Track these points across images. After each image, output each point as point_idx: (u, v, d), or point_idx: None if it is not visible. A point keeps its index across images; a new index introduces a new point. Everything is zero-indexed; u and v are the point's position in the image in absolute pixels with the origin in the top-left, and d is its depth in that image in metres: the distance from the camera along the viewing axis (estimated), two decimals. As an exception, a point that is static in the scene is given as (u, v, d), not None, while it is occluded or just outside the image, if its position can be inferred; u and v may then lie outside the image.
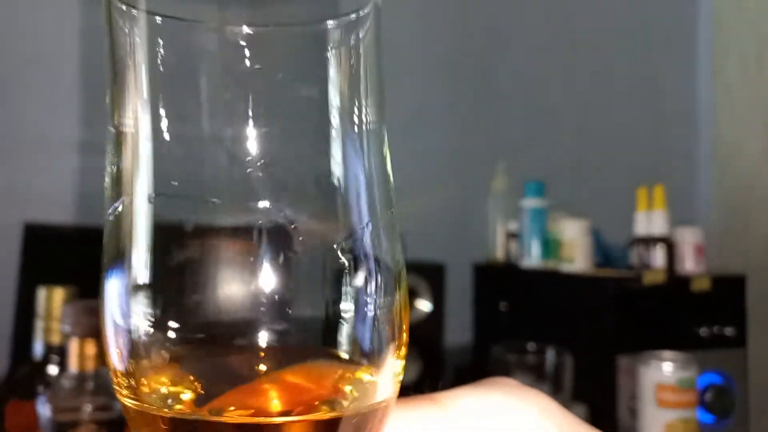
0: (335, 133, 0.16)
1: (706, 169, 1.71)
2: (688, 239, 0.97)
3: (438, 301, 1.12)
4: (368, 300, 0.16)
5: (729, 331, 0.90)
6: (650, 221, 0.98)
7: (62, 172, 1.17)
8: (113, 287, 0.16)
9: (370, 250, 0.17)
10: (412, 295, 1.12)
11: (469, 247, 1.35)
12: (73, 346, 0.54)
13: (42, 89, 1.18)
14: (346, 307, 0.16)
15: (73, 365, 0.54)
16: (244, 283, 0.15)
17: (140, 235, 0.16)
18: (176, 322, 0.15)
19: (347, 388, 0.16)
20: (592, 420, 0.82)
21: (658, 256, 0.94)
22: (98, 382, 0.55)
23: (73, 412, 0.53)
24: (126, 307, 0.16)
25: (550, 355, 0.75)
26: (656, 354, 0.82)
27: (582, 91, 1.58)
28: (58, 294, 0.64)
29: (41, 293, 0.64)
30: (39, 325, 0.65)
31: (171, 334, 0.15)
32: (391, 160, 0.19)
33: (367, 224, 0.17)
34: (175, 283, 0.16)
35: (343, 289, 0.16)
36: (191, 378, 0.16)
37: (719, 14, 1.73)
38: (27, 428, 0.62)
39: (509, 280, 1.20)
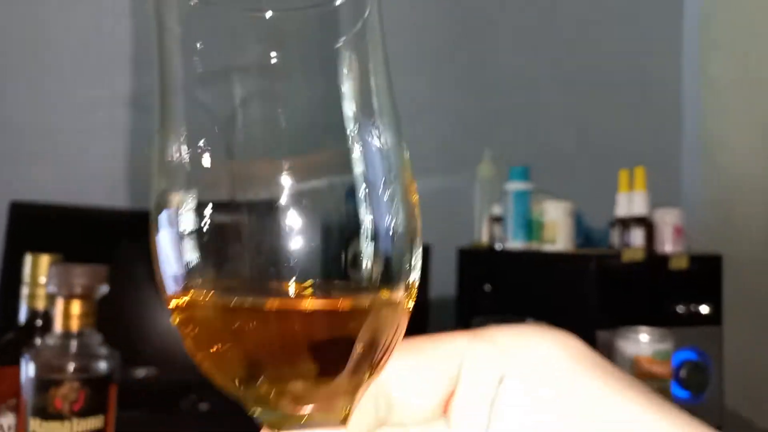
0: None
1: (691, 157, 1.73)
2: (668, 220, 0.99)
3: (422, 282, 1.13)
4: (387, 244, 0.18)
5: (705, 308, 0.92)
6: (631, 202, 1.00)
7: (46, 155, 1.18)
8: (167, 222, 0.18)
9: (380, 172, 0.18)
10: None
11: (455, 233, 1.37)
12: (59, 306, 0.55)
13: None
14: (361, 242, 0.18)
15: (58, 325, 0.55)
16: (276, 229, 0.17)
17: (189, 179, 0.18)
18: (220, 261, 0.17)
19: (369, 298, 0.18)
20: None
21: (638, 236, 0.96)
22: (82, 342, 0.56)
23: (57, 371, 0.54)
24: (178, 244, 0.17)
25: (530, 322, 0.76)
26: (634, 329, 0.84)
27: (568, 81, 1.60)
28: (44, 260, 0.65)
29: (27, 259, 0.65)
30: (24, 291, 0.66)
31: (215, 271, 0.17)
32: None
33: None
34: (218, 228, 0.17)
35: (358, 220, 0.18)
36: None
37: (707, 7, 1.76)
38: (11, 394, 0.63)
39: (493, 262, 1.22)
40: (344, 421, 0.19)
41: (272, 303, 0.17)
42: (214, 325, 0.18)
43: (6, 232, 1.00)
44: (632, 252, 0.91)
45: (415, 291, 0.19)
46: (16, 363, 0.59)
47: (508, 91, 1.54)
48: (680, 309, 0.91)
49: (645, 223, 0.97)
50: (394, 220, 0.18)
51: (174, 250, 0.17)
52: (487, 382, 0.20)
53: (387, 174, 0.19)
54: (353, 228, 0.17)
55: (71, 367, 0.54)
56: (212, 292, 0.17)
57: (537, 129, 1.56)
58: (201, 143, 0.18)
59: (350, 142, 0.18)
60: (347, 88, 0.19)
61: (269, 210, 0.17)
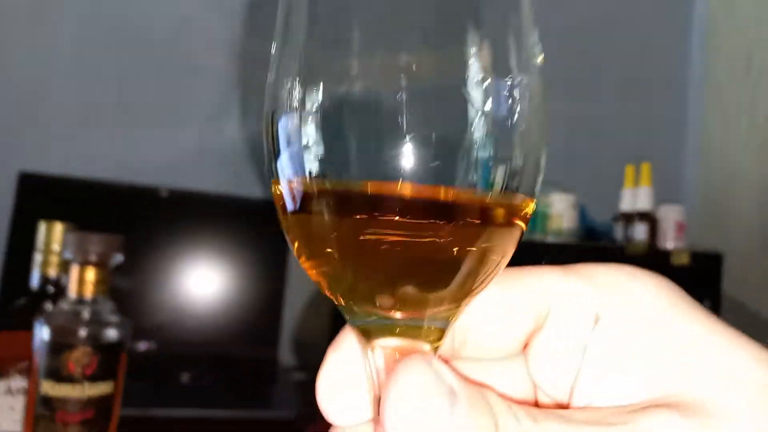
0: None
1: (693, 157, 1.74)
2: (670, 216, 1.00)
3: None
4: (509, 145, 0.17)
5: (706, 305, 0.93)
6: (635, 197, 1.01)
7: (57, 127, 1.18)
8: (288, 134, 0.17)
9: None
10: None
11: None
12: (74, 272, 0.56)
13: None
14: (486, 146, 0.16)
15: (72, 291, 0.56)
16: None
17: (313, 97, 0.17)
18: (337, 154, 0.16)
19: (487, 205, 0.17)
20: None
21: (641, 231, 0.97)
22: (94, 309, 0.57)
23: (71, 335, 0.55)
24: (298, 131, 0.17)
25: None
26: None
27: (575, 77, 1.60)
28: (58, 227, 0.65)
29: (42, 227, 0.65)
30: (37, 258, 0.66)
31: (331, 164, 0.16)
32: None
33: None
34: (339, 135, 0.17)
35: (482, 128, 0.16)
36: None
37: (713, 14, 1.76)
38: (21, 357, 0.63)
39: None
40: (437, 344, 0.18)
41: (391, 198, 0.16)
42: (329, 216, 0.16)
43: (15, 202, 1.00)
44: (635, 246, 0.92)
45: (530, 214, 0.18)
46: (27, 328, 0.59)
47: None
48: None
49: (649, 218, 0.98)
50: (521, 129, 0.17)
51: (293, 138, 0.16)
52: (580, 322, 0.18)
53: (517, 74, 0.17)
54: (477, 133, 0.16)
55: (84, 332, 0.55)
56: (329, 183, 0.16)
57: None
58: (323, 49, 0.17)
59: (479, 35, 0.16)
60: None
61: (392, 104, 0.15)
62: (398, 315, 0.17)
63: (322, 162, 0.16)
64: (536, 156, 0.18)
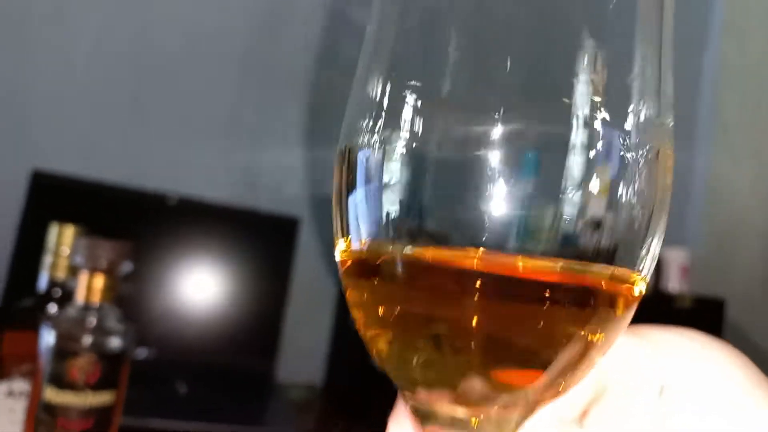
0: None
1: (698, 198, 1.75)
2: (674, 259, 1.01)
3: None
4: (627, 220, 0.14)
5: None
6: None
7: (72, 125, 1.20)
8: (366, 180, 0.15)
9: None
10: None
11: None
12: (83, 278, 0.56)
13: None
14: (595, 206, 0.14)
15: (80, 296, 0.56)
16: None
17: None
18: (415, 216, 0.14)
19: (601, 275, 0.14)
20: None
21: (645, 272, 0.98)
22: (101, 316, 0.57)
23: (76, 342, 0.55)
24: (375, 191, 0.14)
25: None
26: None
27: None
28: (69, 231, 0.66)
29: (53, 229, 0.66)
30: (47, 260, 0.67)
31: (407, 227, 0.14)
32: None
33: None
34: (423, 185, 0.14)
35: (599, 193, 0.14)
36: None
37: (725, 56, 1.78)
38: (26, 358, 0.64)
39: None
40: None
41: (472, 272, 0.13)
42: (398, 294, 0.14)
43: (26, 200, 1.01)
44: (639, 287, 0.92)
45: (640, 296, 0.15)
46: (31, 329, 0.60)
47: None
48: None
49: (653, 259, 0.99)
50: (640, 197, 0.14)
51: (368, 197, 0.14)
52: (643, 389, 0.16)
53: (640, 134, 0.15)
54: (582, 198, 0.13)
55: (89, 339, 0.55)
56: (403, 249, 0.14)
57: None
58: (411, 82, 0.14)
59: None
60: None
61: (480, 164, 0.13)
62: (459, 412, 0.14)
63: (414, 223, 0.14)
64: (654, 228, 0.14)
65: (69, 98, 1.21)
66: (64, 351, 0.54)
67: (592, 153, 0.13)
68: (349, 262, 0.15)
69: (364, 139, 0.15)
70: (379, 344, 0.15)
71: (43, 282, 0.67)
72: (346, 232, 0.15)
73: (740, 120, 1.69)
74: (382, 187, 0.14)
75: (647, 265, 0.15)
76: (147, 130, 1.25)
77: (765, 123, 1.61)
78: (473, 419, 0.14)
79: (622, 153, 0.14)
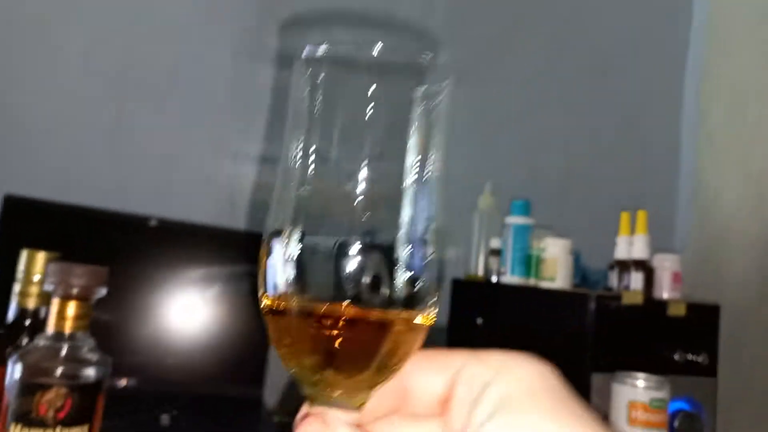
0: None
1: (686, 208, 1.75)
2: (666, 265, 0.99)
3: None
4: (418, 269, 0.25)
5: (702, 358, 0.92)
6: (631, 245, 1.00)
7: (44, 151, 1.16)
8: (277, 255, 0.25)
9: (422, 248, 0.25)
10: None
11: (450, 264, 1.36)
12: (54, 306, 0.53)
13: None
14: (404, 271, 0.25)
15: (51, 326, 0.53)
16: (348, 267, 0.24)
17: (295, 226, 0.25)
18: (303, 280, 0.25)
19: (399, 317, 0.25)
20: None
21: (637, 279, 0.96)
22: (74, 345, 0.54)
23: (45, 374, 0.52)
24: (282, 264, 0.25)
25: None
26: (630, 374, 0.83)
27: (568, 125, 1.62)
28: (40, 257, 0.62)
29: (23, 255, 0.63)
30: (15, 288, 0.63)
31: (299, 286, 0.25)
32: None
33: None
34: (306, 263, 0.25)
35: (403, 259, 0.25)
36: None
37: (708, 60, 1.79)
38: (-7, 394, 0.60)
39: (488, 295, 1.21)
40: (360, 407, 0.26)
41: (325, 316, 0.24)
42: (289, 326, 0.25)
43: (-3, 227, 0.97)
44: (632, 295, 0.90)
45: (434, 316, 0.26)
46: (2, 363, 0.56)
47: (510, 128, 1.55)
48: (677, 357, 0.90)
49: (645, 267, 0.97)
50: (428, 260, 0.25)
51: (278, 267, 0.25)
52: (476, 390, 0.25)
53: (429, 223, 0.26)
54: (396, 264, 0.24)
55: (60, 371, 0.52)
56: (292, 301, 0.25)
57: (536, 168, 1.57)
58: (303, 189, 0.25)
59: (405, 191, 0.25)
60: (413, 141, 0.25)
61: (340, 246, 0.24)
62: (331, 393, 0.25)
63: (293, 286, 0.25)
64: (435, 288, 0.26)
65: (46, 120, 1.18)
66: (31, 385, 0.51)
67: (404, 253, 0.25)
68: (266, 308, 0.26)
69: (278, 229, 0.25)
70: (285, 358, 0.25)
71: (12, 312, 0.63)
72: (264, 289, 0.25)
73: (726, 127, 1.70)
74: (284, 263, 0.25)
75: (431, 308, 0.25)
76: (127, 152, 1.22)
77: (751, 130, 1.62)
78: (338, 395, 0.25)
79: (413, 254, 0.25)
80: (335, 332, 0.24)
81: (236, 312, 1.11)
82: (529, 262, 1.11)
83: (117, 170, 1.21)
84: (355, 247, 0.24)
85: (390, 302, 0.24)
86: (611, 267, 1.04)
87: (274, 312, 0.25)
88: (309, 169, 0.25)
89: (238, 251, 1.16)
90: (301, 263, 0.24)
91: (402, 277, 0.24)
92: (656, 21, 1.78)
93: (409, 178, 0.25)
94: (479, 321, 1.20)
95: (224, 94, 1.29)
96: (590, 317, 0.89)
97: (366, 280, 0.24)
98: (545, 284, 1.04)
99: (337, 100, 0.25)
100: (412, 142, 0.25)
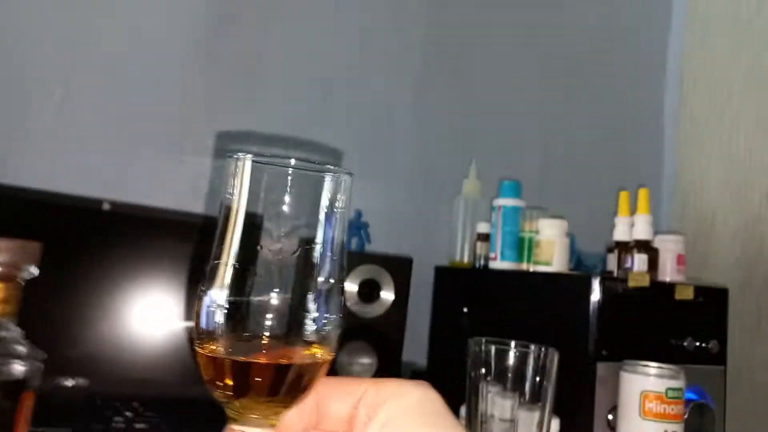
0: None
1: (668, 193, 1.70)
2: (669, 247, 0.93)
3: (402, 299, 1.03)
4: (321, 314, 0.31)
5: (712, 345, 0.85)
6: (634, 225, 0.93)
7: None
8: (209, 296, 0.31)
9: (328, 288, 0.31)
10: (376, 287, 1.02)
11: (432, 251, 1.27)
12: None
13: None
14: (311, 315, 0.30)
15: (-35, 311, 0.42)
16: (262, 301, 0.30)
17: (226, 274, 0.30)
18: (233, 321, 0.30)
19: (304, 353, 0.31)
20: None
21: (641, 261, 0.89)
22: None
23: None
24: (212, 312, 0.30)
25: (535, 350, 0.66)
26: (642, 362, 0.75)
27: (550, 110, 1.55)
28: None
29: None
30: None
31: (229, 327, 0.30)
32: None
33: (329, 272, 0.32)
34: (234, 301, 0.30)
35: (309, 305, 0.30)
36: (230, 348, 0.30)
37: (689, 43, 1.75)
38: None
39: (476, 282, 1.12)
40: (274, 426, 0.31)
41: (242, 354, 0.30)
42: (213, 362, 0.30)
43: None
44: (638, 277, 0.83)
45: (334, 351, 0.31)
46: None
47: (492, 111, 1.47)
48: (686, 344, 0.83)
49: (649, 248, 0.90)
50: (330, 310, 0.31)
51: (208, 314, 0.30)
52: (371, 412, 0.31)
53: (331, 279, 0.31)
54: (303, 315, 0.30)
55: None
56: (216, 343, 0.30)
57: (517, 153, 1.50)
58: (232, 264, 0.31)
59: (314, 253, 0.31)
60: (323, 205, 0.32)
61: (261, 305, 0.30)
62: (249, 414, 0.31)
63: (218, 329, 0.30)
64: (336, 333, 0.31)
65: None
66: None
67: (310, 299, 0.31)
68: (195, 345, 0.31)
69: (210, 288, 0.31)
70: (209, 387, 0.31)
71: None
72: (195, 329, 0.31)
73: (709, 113, 1.66)
74: (211, 309, 0.30)
75: (333, 345, 0.31)
76: (77, 129, 1.10)
77: (734, 116, 1.58)
78: (254, 416, 0.31)
79: (324, 291, 0.32)
80: (250, 368, 0.29)
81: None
82: (522, 246, 1.03)
83: (67, 149, 1.08)
84: (269, 296, 0.30)
85: (300, 342, 0.30)
86: (610, 249, 0.97)
87: (201, 349, 0.30)
88: (240, 238, 0.30)
89: (201, 238, 1.05)
90: (225, 310, 0.29)
91: (306, 319, 0.30)
92: (637, 11, 1.73)
93: (318, 237, 0.31)
94: (465, 310, 1.11)
95: (187, 65, 1.17)
96: (594, 302, 0.81)
97: (277, 322, 0.30)
98: (540, 268, 0.97)
99: (262, 183, 0.31)
100: (323, 204, 0.31)
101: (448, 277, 1.21)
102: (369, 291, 1.01)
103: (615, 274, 0.90)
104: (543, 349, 0.67)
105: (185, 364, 0.97)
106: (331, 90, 1.28)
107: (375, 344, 0.99)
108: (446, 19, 1.43)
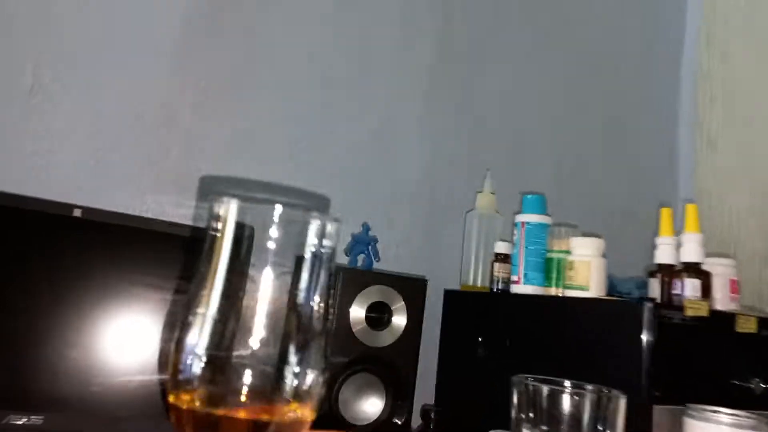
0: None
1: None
2: (719, 271, 0.81)
3: (415, 322, 0.90)
4: (302, 373, 0.30)
5: (776, 385, 0.73)
6: (681, 246, 0.82)
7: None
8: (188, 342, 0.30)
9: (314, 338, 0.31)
10: (387, 311, 0.89)
11: (441, 272, 1.15)
12: None
13: None
14: (292, 369, 0.29)
15: None
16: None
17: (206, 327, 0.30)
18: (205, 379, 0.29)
19: (284, 409, 0.29)
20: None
21: (692, 287, 0.77)
22: None
23: None
24: (190, 362, 0.29)
25: (593, 393, 0.54)
26: (708, 407, 0.63)
27: (558, 126, 1.45)
28: None
29: None
30: None
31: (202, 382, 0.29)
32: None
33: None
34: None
35: (291, 358, 0.29)
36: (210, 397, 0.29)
37: (703, 63, 1.67)
38: None
39: (493, 309, 1.00)
40: None
41: (217, 411, 0.28)
42: (186, 414, 0.28)
43: None
44: (696, 305, 0.71)
45: (314, 411, 0.30)
46: None
47: (500, 123, 1.37)
48: (752, 385, 0.72)
49: (700, 272, 0.79)
50: (312, 369, 0.30)
51: (185, 364, 0.29)
52: None
53: (315, 337, 0.30)
54: (284, 368, 0.29)
55: None
56: (191, 395, 0.28)
57: (534, 165, 1.39)
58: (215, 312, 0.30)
59: (298, 300, 0.30)
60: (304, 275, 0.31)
61: (240, 356, 0.28)
62: None
63: (194, 381, 0.29)
64: (317, 392, 0.30)
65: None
66: None
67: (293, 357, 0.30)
68: (172, 401, 0.29)
69: (188, 337, 0.30)
70: None
71: None
72: (171, 385, 0.29)
73: (727, 132, 1.57)
74: (191, 369, 0.29)
75: (315, 400, 0.30)
76: (45, 125, 0.96)
77: (756, 138, 1.49)
78: None
79: (308, 349, 0.30)
80: (230, 424, 0.28)
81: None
82: (550, 268, 0.91)
83: (31, 148, 0.95)
84: (254, 353, 0.28)
85: (280, 397, 0.29)
86: (651, 273, 0.86)
87: (175, 400, 0.29)
88: (219, 286, 0.29)
89: (184, 249, 0.92)
90: (207, 366, 0.28)
91: (290, 377, 0.29)
92: (651, 20, 1.66)
93: (302, 283, 0.30)
94: (480, 340, 0.99)
95: (171, 53, 1.05)
96: (646, 333, 0.70)
97: (257, 376, 0.28)
98: (574, 293, 0.85)
99: (242, 231, 0.29)
100: (306, 256, 0.30)
101: (459, 303, 1.09)
102: (378, 315, 0.88)
103: (675, 301, 0.78)
104: (606, 390, 0.54)
105: (159, 398, 0.83)
106: (333, 102, 1.16)
107: (384, 378, 0.85)
108: (455, 31, 1.33)
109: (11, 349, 0.78)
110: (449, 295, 1.11)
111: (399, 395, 0.86)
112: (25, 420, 0.75)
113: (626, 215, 1.50)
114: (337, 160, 1.14)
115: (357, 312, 0.86)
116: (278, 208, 0.29)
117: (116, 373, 0.82)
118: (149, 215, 0.95)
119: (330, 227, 0.31)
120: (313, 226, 0.30)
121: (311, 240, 0.30)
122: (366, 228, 1.01)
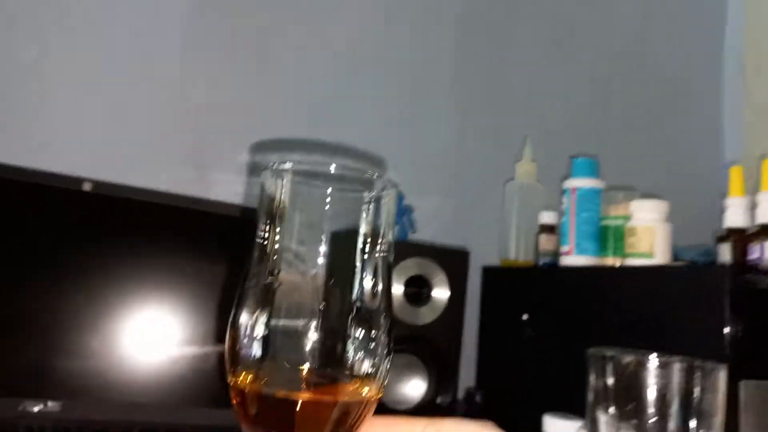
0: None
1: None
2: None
3: (458, 297, 0.82)
4: (370, 354, 0.28)
5: None
6: (756, 206, 0.73)
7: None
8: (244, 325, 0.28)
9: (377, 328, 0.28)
10: (426, 285, 0.82)
11: (478, 248, 1.07)
12: None
13: None
14: (356, 346, 0.27)
15: None
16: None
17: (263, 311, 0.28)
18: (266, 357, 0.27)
19: (349, 389, 0.28)
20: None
21: (774, 252, 0.68)
22: None
23: None
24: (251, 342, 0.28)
25: (684, 366, 0.46)
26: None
27: (600, 99, 1.36)
28: None
29: None
30: None
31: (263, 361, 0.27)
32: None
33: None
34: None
35: (358, 342, 0.27)
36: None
37: (750, 33, 1.56)
38: None
39: (539, 284, 0.92)
40: None
41: (285, 391, 0.27)
42: (246, 395, 0.27)
43: None
44: (784, 271, 0.62)
45: (382, 390, 0.28)
46: None
47: (540, 89, 1.28)
48: None
49: (783, 234, 0.70)
50: (381, 345, 0.28)
51: (243, 342, 0.27)
52: None
53: (380, 311, 0.28)
54: (348, 345, 0.27)
55: None
56: (252, 376, 0.27)
57: (576, 131, 1.30)
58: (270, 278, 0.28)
59: (355, 283, 0.28)
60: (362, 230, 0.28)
61: (300, 332, 0.27)
62: None
63: (258, 363, 0.28)
64: (385, 367, 0.28)
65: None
66: None
67: (357, 331, 0.28)
68: (233, 383, 0.28)
69: (246, 312, 0.28)
70: (242, 420, 0.28)
71: None
72: (231, 365, 0.28)
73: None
74: (250, 343, 0.28)
75: (382, 379, 0.28)
76: (54, 97, 0.90)
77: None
78: None
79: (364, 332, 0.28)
80: (294, 405, 0.26)
81: (205, 311, 0.80)
82: (605, 236, 0.83)
83: (39, 119, 0.89)
84: (315, 328, 0.27)
85: (343, 375, 0.27)
86: (720, 238, 0.77)
87: (234, 380, 0.27)
88: (275, 260, 0.28)
89: (203, 228, 0.85)
90: (266, 343, 0.27)
91: (354, 354, 0.27)
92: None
93: (359, 263, 0.28)
94: (525, 317, 0.91)
95: (185, 23, 0.98)
96: (729, 303, 0.61)
97: (319, 353, 0.27)
98: (637, 262, 0.76)
99: (299, 202, 0.28)
100: (362, 231, 0.28)
101: (500, 279, 1.01)
102: (417, 290, 0.80)
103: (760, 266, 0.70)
104: (700, 362, 0.46)
105: (182, 384, 0.77)
106: (360, 70, 1.08)
107: (426, 358, 0.78)
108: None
109: (20, 332, 0.71)
110: (488, 271, 1.03)
111: (443, 376, 0.78)
112: (42, 407, 0.69)
113: (683, 177, 1.40)
114: (365, 127, 1.06)
115: (394, 287, 0.79)
116: (332, 168, 0.28)
117: (133, 355, 0.76)
118: (166, 189, 0.88)
119: (389, 195, 0.29)
120: (369, 201, 0.29)
121: (370, 215, 0.29)
122: (400, 197, 0.93)
